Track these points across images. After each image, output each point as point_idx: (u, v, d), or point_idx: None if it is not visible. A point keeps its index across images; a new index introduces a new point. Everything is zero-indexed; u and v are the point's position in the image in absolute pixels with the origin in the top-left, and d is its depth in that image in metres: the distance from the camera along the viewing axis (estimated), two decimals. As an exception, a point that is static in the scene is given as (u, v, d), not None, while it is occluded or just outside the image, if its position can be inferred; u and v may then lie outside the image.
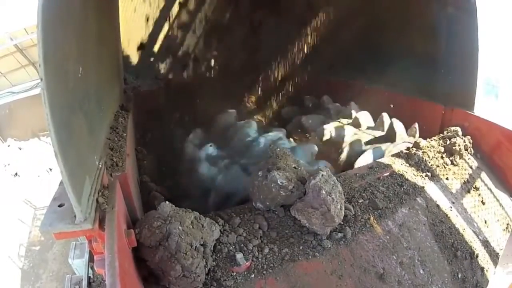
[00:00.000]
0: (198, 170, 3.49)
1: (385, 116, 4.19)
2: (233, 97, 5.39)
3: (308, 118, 4.75)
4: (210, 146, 3.70)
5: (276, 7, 5.82)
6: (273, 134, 3.88)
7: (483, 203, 3.09)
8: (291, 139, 4.26)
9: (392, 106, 4.46)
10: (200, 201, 3.18)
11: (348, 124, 4.38)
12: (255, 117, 5.22)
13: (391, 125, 3.97)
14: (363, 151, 3.61)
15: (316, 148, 3.71)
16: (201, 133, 4.22)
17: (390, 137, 3.92)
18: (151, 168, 3.37)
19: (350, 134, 4.04)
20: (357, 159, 3.52)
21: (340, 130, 4.14)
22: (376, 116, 4.40)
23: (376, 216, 2.51)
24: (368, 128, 4.31)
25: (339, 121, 4.49)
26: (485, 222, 2.98)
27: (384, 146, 3.69)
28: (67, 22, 1.68)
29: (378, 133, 4.08)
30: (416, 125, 3.99)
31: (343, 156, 3.74)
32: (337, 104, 5.15)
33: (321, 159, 3.69)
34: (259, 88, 6.34)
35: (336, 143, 4.03)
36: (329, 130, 4.20)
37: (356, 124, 4.35)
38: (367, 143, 3.90)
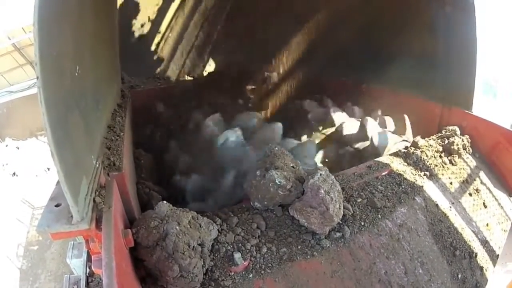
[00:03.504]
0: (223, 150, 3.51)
1: (369, 122, 4.11)
2: (229, 95, 5.38)
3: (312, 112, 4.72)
4: (237, 128, 3.70)
5: (275, 6, 5.82)
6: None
7: (482, 203, 3.10)
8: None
9: (390, 105, 4.44)
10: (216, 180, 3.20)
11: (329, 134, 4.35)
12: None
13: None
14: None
15: (314, 145, 3.70)
16: (219, 117, 4.19)
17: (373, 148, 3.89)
18: (149, 168, 3.36)
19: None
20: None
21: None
22: (375, 116, 4.38)
23: (375, 216, 2.51)
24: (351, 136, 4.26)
25: (320, 132, 4.47)
26: (484, 222, 2.98)
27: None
28: (63, 21, 1.67)
29: (362, 144, 4.03)
30: (406, 118, 3.96)
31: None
32: (320, 109, 5.09)
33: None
34: (257, 87, 6.33)
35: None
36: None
37: (338, 134, 4.27)
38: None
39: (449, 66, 3.89)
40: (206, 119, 4.08)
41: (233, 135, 3.62)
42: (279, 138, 3.96)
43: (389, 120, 4.18)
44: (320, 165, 3.65)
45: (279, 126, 4.06)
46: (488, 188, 3.23)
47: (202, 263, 1.85)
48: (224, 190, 3.12)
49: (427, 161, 3.16)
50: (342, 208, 2.29)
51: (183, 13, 5.76)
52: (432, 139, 3.47)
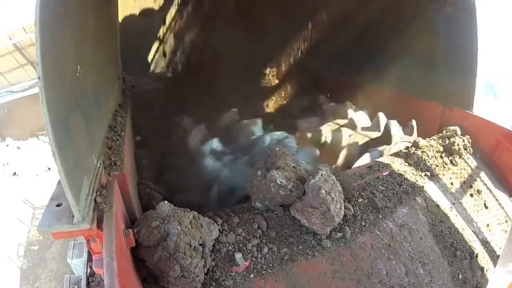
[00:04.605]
0: (201, 163, 3.46)
1: (381, 116, 4.15)
2: (230, 96, 5.38)
3: (304, 121, 4.68)
4: (215, 140, 3.66)
5: (277, 7, 5.82)
6: (279, 133, 3.84)
7: (483, 203, 3.09)
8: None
9: (391, 105, 4.44)
10: (201, 195, 3.16)
11: (344, 125, 4.33)
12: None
13: (387, 125, 3.93)
14: (360, 155, 3.58)
15: (318, 152, 3.69)
16: (204, 129, 4.18)
17: (386, 137, 3.89)
18: (150, 168, 3.36)
19: (346, 136, 4.01)
20: (354, 163, 3.49)
21: (336, 133, 4.10)
22: (374, 116, 4.38)
23: (376, 216, 2.51)
24: (364, 128, 4.27)
25: (334, 122, 4.44)
26: (484, 222, 2.98)
27: (381, 148, 3.67)
28: (65, 21, 1.67)
29: (374, 134, 4.04)
30: (414, 122, 3.97)
31: (340, 160, 3.71)
32: (332, 104, 5.11)
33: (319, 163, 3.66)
34: (257, 87, 6.33)
35: (332, 147, 4.00)
36: (325, 133, 4.15)
37: (352, 125, 4.29)
38: (364, 145, 3.86)
39: (450, 66, 3.89)
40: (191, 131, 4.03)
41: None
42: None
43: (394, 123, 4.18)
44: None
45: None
46: (489, 189, 3.23)
47: (203, 263, 1.85)
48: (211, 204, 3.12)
49: (428, 161, 3.16)
50: (343, 208, 2.29)
51: (184, 11, 5.77)
52: (433, 139, 3.47)
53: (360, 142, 3.87)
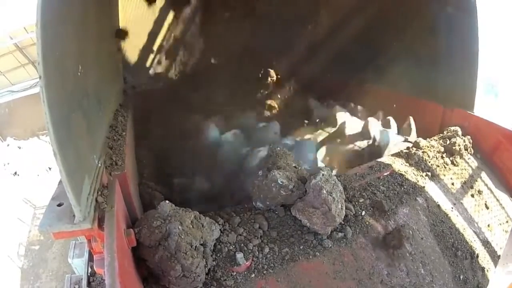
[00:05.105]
0: (223, 151, 3.51)
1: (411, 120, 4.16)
2: (229, 97, 5.37)
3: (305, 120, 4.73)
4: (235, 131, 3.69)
5: (278, 7, 5.81)
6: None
7: (484, 203, 3.09)
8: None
9: (392, 105, 4.43)
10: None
11: (343, 125, 4.32)
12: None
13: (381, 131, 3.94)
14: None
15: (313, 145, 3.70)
16: (221, 121, 4.19)
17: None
18: (151, 168, 3.35)
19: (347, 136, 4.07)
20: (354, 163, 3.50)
21: (336, 133, 4.15)
22: (378, 117, 4.38)
23: (377, 215, 2.51)
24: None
25: (323, 130, 4.47)
26: (485, 223, 2.97)
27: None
28: (66, 21, 1.67)
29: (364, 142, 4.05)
30: (411, 120, 3.97)
31: (341, 160, 3.74)
32: (332, 104, 5.11)
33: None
34: (258, 87, 6.32)
35: (333, 147, 4.03)
36: (325, 134, 4.18)
37: (340, 132, 4.30)
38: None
39: (451, 66, 3.88)
40: (207, 121, 4.06)
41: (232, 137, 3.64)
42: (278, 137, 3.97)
43: (392, 121, 4.17)
44: (322, 164, 3.65)
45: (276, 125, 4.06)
46: (490, 189, 3.22)
47: (205, 263, 1.85)
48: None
49: (429, 162, 3.16)
50: (344, 208, 2.29)
51: (184, 11, 5.76)
52: (434, 139, 3.46)
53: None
